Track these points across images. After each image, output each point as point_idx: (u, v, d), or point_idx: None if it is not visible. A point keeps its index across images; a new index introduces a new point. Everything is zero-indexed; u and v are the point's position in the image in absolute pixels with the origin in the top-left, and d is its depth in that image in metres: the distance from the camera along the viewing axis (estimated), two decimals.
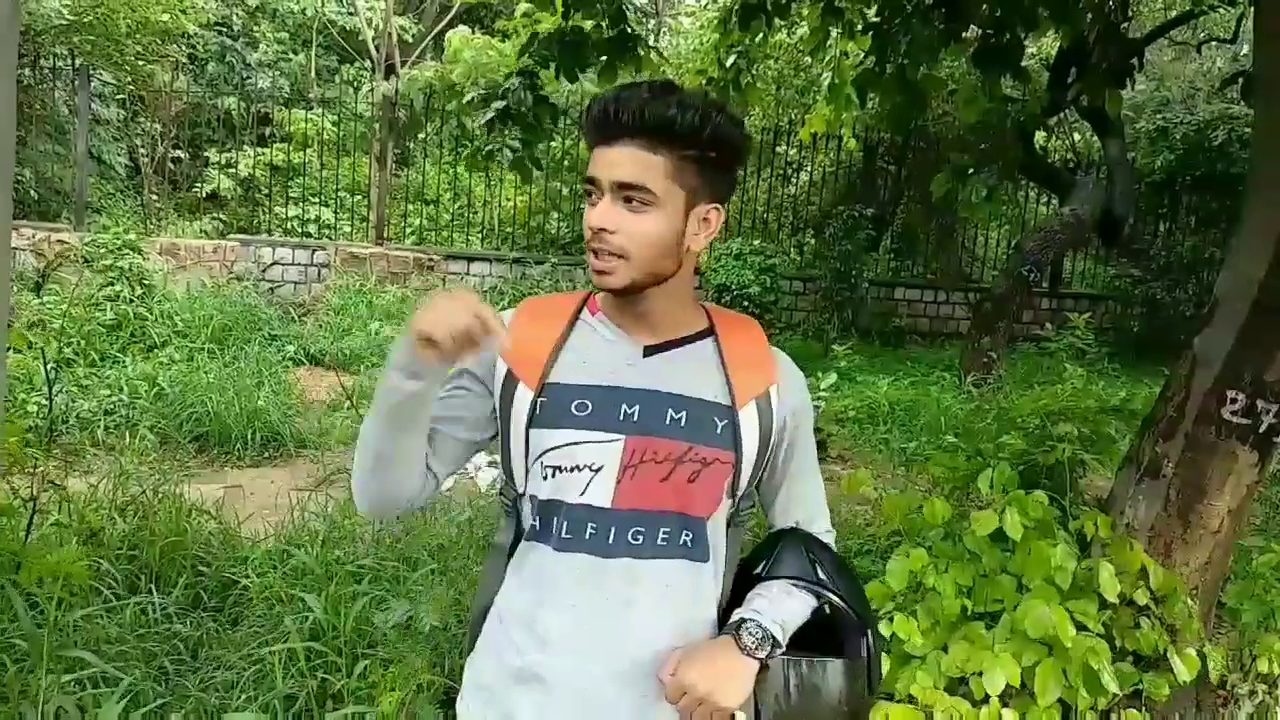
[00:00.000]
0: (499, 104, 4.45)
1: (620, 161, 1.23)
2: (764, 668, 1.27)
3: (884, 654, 2.20)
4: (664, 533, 1.30)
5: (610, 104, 1.23)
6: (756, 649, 1.26)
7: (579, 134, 11.56)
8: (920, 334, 11.73)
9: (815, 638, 1.35)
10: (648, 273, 1.27)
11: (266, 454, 5.69)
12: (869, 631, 1.39)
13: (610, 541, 1.28)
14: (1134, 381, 8.01)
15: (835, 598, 1.37)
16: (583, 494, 1.28)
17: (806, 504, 1.45)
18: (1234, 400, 2.75)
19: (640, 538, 1.29)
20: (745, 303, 9.42)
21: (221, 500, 4.42)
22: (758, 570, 1.39)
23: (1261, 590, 3.02)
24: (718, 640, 1.29)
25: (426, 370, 1.20)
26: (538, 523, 1.32)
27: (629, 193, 1.23)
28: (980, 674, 2.55)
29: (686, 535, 1.31)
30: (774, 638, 1.27)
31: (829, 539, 1.46)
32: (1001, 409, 4.88)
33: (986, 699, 2.53)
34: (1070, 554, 2.67)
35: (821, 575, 1.37)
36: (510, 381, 1.31)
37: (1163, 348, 9.45)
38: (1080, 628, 2.57)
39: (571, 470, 1.28)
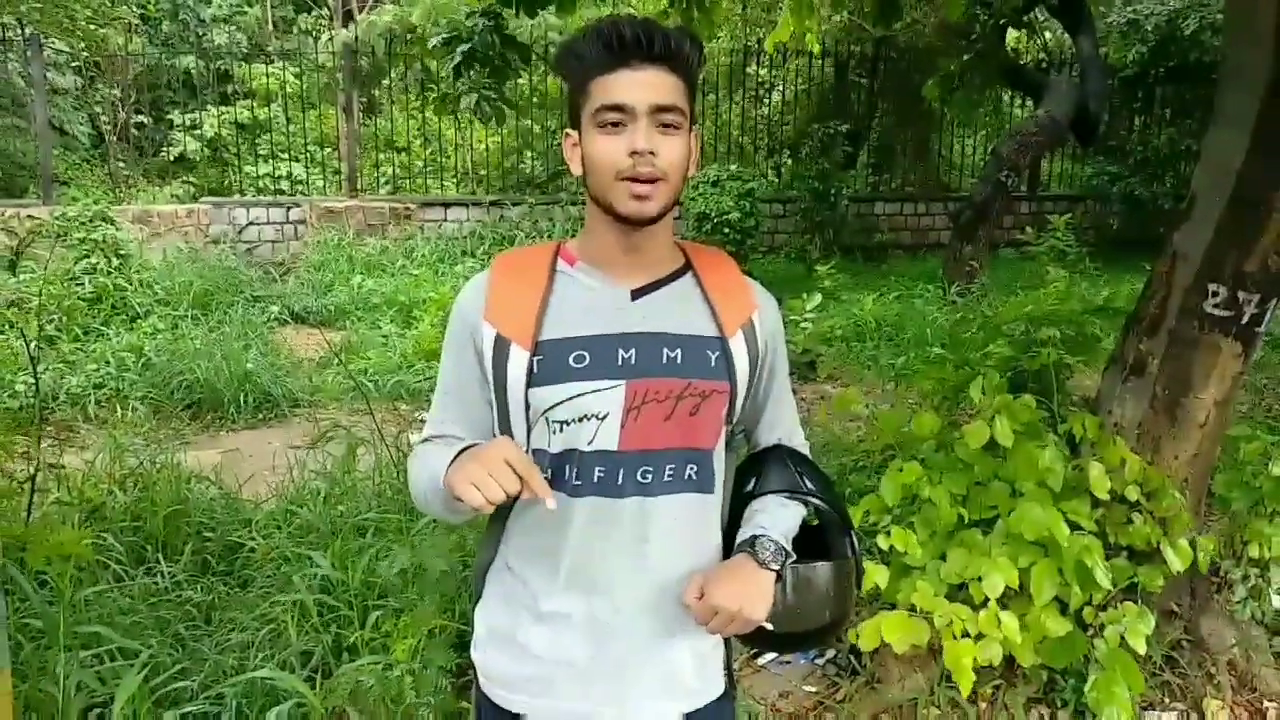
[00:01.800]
0: (464, 47, 4.33)
1: (656, 83, 1.25)
2: (777, 577, 1.34)
3: (865, 553, 2.47)
4: (670, 469, 1.33)
5: (627, 29, 1.24)
6: (771, 561, 1.33)
7: (547, 71, 11.39)
8: (902, 247, 11.71)
9: (801, 540, 1.42)
10: (674, 198, 1.30)
11: (260, 416, 5.70)
12: (850, 532, 1.48)
13: (619, 483, 1.31)
14: (1116, 279, 8.03)
15: (822, 504, 1.45)
16: (591, 442, 1.30)
17: (786, 421, 1.53)
18: (1215, 293, 2.76)
19: (648, 476, 1.32)
20: (726, 229, 9.34)
21: (219, 465, 4.43)
22: (749, 488, 1.46)
23: (1250, 477, 3.07)
24: (736, 559, 1.35)
25: None
26: (549, 474, 1.32)
27: (666, 115, 1.25)
28: (979, 579, 2.60)
29: (692, 469, 1.35)
30: (785, 549, 1.35)
31: (806, 449, 1.55)
32: (986, 317, 4.89)
33: (986, 603, 2.59)
34: (1060, 456, 2.71)
35: (809, 485, 1.46)
36: (501, 344, 1.31)
37: (1143, 243, 9.46)
38: (1074, 527, 2.62)
39: (578, 421, 1.30)
